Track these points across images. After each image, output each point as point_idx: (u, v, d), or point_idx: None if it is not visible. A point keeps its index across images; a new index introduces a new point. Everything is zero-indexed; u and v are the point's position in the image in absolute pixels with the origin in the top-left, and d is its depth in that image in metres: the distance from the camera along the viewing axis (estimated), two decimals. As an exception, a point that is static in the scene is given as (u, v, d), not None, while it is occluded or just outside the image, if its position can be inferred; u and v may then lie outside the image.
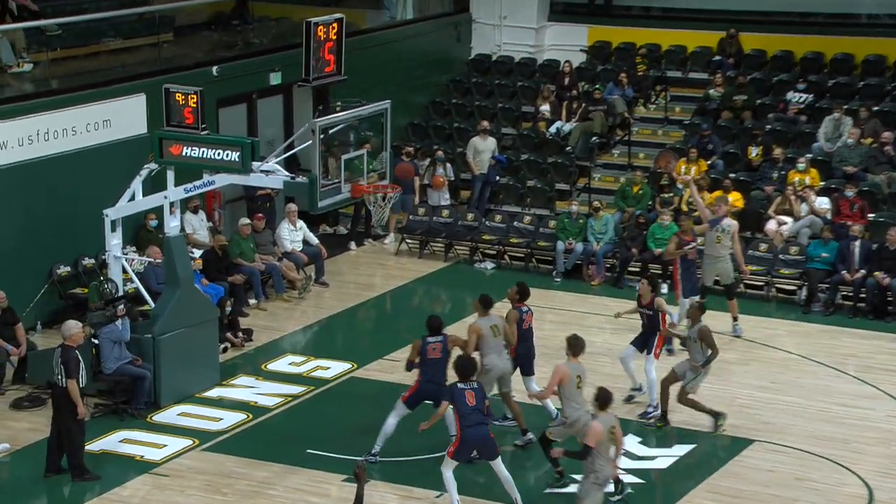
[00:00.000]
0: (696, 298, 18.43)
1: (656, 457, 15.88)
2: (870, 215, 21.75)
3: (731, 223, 19.45)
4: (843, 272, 20.68)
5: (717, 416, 16.39)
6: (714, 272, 19.53)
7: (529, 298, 16.53)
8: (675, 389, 16.35)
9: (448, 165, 24.67)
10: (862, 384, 18.07)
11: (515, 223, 23.45)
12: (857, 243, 20.81)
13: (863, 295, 20.61)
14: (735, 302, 19.68)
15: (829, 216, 21.84)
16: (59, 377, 14.92)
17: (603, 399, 13.32)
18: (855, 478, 15.30)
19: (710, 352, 16.07)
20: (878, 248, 20.73)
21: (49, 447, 15.32)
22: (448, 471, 14.19)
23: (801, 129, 24.19)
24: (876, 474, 15.45)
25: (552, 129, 25.52)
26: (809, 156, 23.04)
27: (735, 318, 19.63)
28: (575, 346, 14.52)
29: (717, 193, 21.72)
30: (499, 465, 14.30)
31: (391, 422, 15.32)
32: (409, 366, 15.58)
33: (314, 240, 22.37)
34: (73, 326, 15.35)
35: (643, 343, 17.10)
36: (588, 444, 13.00)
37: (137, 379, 16.99)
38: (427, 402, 15.21)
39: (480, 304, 15.97)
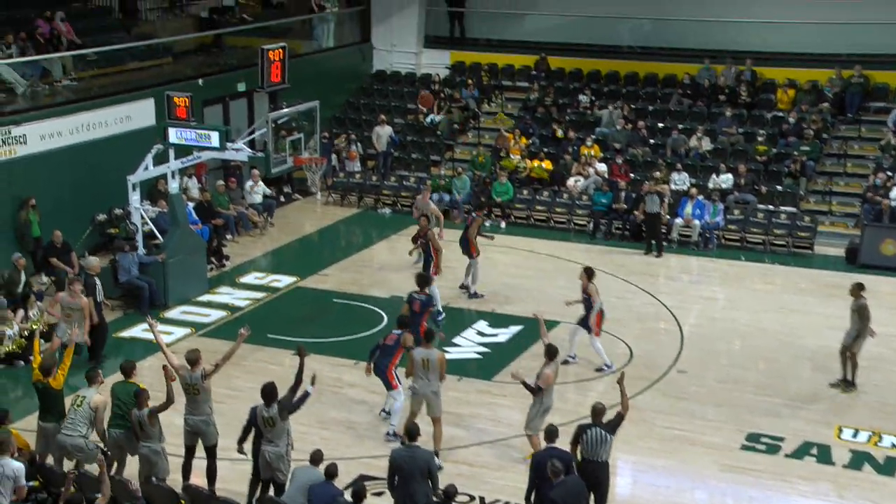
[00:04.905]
0: None
1: (498, 334, 15.90)
2: (631, 175, 21.91)
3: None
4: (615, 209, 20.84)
5: (848, 384, 13.88)
6: None
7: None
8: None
9: (358, 144, 24.27)
10: (627, 284, 18.33)
11: (404, 182, 23.17)
12: (623, 193, 20.96)
13: (628, 226, 20.82)
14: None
15: (606, 176, 21.95)
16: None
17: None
18: (622, 343, 15.59)
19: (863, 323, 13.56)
20: (629, 195, 20.83)
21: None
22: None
23: (588, 119, 24.22)
24: (637, 339, 15.79)
25: (427, 120, 25.23)
26: (594, 137, 23.08)
27: None
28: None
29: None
30: None
31: None
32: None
33: (269, 192, 21.91)
34: (94, 261, 14.86)
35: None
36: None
37: (139, 289, 16.65)
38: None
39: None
